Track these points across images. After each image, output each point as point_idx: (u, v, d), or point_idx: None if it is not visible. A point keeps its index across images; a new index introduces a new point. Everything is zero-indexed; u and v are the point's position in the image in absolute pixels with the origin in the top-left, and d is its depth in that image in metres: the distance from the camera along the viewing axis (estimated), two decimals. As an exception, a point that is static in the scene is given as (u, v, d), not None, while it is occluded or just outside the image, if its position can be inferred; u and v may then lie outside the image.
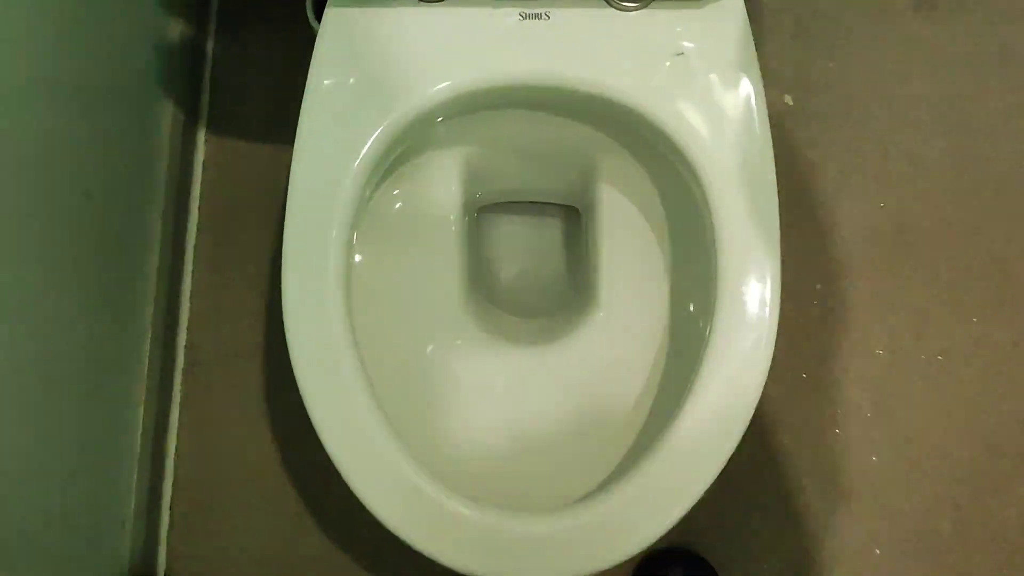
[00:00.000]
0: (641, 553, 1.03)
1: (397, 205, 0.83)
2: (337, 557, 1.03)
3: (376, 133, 0.69)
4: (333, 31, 0.72)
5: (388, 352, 0.78)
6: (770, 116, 0.72)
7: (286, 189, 0.71)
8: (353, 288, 0.72)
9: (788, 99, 1.14)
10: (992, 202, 1.13)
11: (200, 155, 1.13)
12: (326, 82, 0.71)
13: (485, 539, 0.66)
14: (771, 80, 1.12)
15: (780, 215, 0.71)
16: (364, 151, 0.69)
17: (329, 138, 0.70)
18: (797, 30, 1.16)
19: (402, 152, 0.77)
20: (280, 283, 0.68)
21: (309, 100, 0.71)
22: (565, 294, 0.96)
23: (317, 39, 0.72)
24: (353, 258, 0.76)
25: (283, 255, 0.68)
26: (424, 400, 0.81)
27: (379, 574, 1.03)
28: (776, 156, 0.71)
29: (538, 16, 0.72)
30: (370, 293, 0.79)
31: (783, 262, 0.70)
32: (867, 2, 1.17)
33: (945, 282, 1.11)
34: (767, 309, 0.69)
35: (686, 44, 0.71)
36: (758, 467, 1.06)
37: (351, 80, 0.71)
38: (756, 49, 0.73)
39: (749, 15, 0.73)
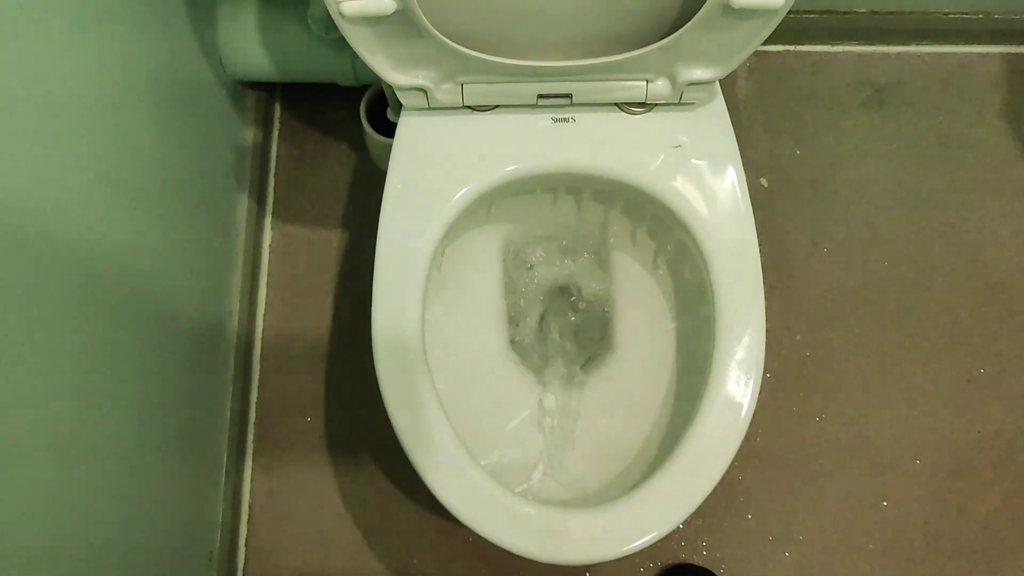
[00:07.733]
0: (658, 567, 1.19)
1: (451, 267, 1.02)
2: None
3: (445, 214, 0.88)
4: (406, 132, 0.91)
5: (448, 382, 0.95)
6: (750, 196, 0.91)
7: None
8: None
9: (764, 181, 1.35)
10: (939, 261, 1.32)
11: (267, 239, 1.32)
12: (402, 173, 0.89)
13: (541, 529, 0.80)
14: (749, 166, 1.30)
15: (763, 276, 0.88)
16: (435, 229, 0.88)
17: (407, 217, 0.88)
18: (768, 125, 1.38)
19: (459, 228, 0.96)
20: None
21: (390, 188, 0.88)
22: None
23: (395, 137, 0.90)
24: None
25: (373, 305, 0.85)
26: (477, 420, 0.98)
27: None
28: (757, 228, 0.90)
29: (566, 120, 0.91)
30: (434, 336, 0.96)
31: (768, 317, 0.87)
32: (824, 101, 1.39)
33: (905, 330, 1.29)
34: (755, 353, 0.85)
35: (682, 139, 0.91)
36: (751, 490, 1.23)
37: (422, 170, 0.89)
38: (736, 140, 0.93)
39: (730, 114, 0.93)
